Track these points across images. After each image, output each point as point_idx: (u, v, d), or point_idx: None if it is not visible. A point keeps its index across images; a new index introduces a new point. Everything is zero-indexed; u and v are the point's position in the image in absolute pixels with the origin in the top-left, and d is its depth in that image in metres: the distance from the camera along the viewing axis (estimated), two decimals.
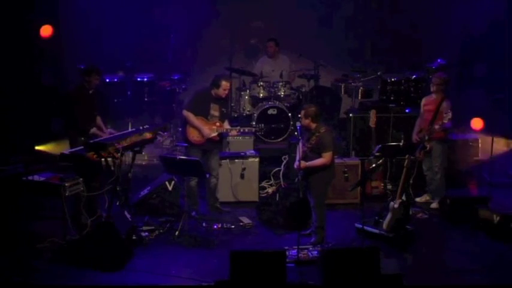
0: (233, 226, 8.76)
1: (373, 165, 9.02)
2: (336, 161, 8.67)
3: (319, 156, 7.94)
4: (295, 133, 8.78)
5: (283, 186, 9.93)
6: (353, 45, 12.67)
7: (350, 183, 9.29)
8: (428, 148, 9.25)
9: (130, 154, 8.51)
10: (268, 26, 12.47)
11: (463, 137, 10.51)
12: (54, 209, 8.13)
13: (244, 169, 9.67)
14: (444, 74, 9.66)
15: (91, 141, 8.02)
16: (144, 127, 8.58)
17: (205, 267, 7.55)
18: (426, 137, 9.19)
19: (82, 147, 7.95)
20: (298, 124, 8.18)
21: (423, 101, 9.56)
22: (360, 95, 11.06)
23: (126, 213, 8.10)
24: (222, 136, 9.16)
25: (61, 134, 9.53)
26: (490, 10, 11.32)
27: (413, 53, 12.30)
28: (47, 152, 10.69)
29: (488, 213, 8.54)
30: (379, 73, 11.09)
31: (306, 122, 8.02)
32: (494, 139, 9.68)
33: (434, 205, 9.44)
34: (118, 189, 7.97)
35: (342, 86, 11.33)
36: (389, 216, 8.29)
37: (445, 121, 8.94)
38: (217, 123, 8.91)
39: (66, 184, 7.93)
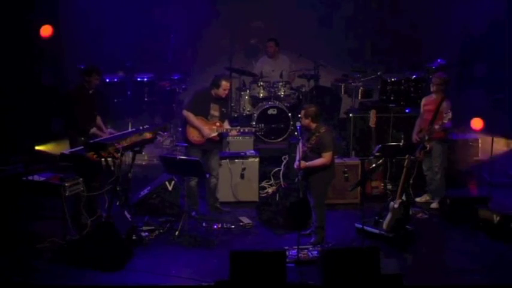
0: (233, 226, 8.75)
1: (373, 165, 9.02)
2: (336, 161, 8.67)
3: (319, 156, 7.94)
4: (295, 133, 8.78)
5: (283, 186, 9.92)
6: (353, 45, 12.66)
7: (350, 183, 9.28)
8: (428, 148, 9.25)
9: (130, 154, 8.50)
10: (268, 26, 12.47)
11: (463, 137, 10.51)
12: (54, 209, 8.12)
13: (244, 169, 9.67)
14: (444, 74, 9.66)
15: (91, 141, 8.02)
16: (144, 127, 8.57)
17: (205, 267, 7.55)
18: (426, 137, 9.19)
19: (82, 147, 7.95)
20: (298, 124, 8.18)
21: (423, 101, 9.56)
22: (360, 95, 11.06)
23: (126, 213, 8.10)
24: (222, 136, 9.16)
25: (61, 134, 9.53)
26: (490, 10, 11.33)
27: (413, 53, 12.31)
28: (47, 152, 10.69)
29: (488, 213, 8.54)
30: (379, 73, 11.09)
31: (306, 122, 8.02)
32: (494, 139, 9.68)
33: (434, 205, 9.44)
34: (118, 189, 7.97)
35: (342, 86, 11.33)
36: (389, 216, 8.29)
37: (445, 121, 8.94)
38: (217, 123, 8.91)
39: (66, 184, 7.93)
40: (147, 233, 8.31)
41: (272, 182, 10.22)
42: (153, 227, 8.48)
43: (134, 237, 8.02)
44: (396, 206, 8.26)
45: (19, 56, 10.57)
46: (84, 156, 7.79)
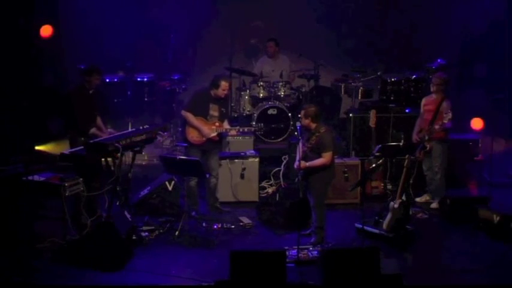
0: (233, 226, 8.75)
1: (373, 165, 9.02)
2: (336, 161, 8.67)
3: (319, 156, 7.94)
4: (295, 133, 8.78)
5: (283, 186, 9.92)
6: (353, 45, 12.66)
7: (350, 183, 9.28)
8: (428, 148, 9.25)
9: (130, 154, 8.49)
10: (268, 26, 12.46)
11: (463, 137, 10.51)
12: (54, 209, 8.12)
13: (244, 169, 9.67)
14: (444, 74, 9.66)
15: (91, 141, 8.02)
16: (144, 127, 8.58)
17: (205, 267, 7.55)
18: (426, 137, 9.19)
19: (82, 147, 7.95)
20: (298, 124, 8.18)
21: (423, 101, 9.56)
22: (360, 95, 11.06)
23: (126, 213, 8.10)
24: (222, 136, 9.17)
25: (61, 134, 9.53)
26: (490, 10, 11.34)
27: (413, 53, 12.31)
28: (47, 152, 10.70)
29: (488, 213, 8.54)
30: (379, 73, 11.09)
31: (306, 122, 8.02)
32: (494, 139, 9.68)
33: (434, 205, 9.44)
34: (118, 189, 7.97)
35: (342, 86, 11.34)
36: (389, 216, 8.29)
37: (445, 121, 8.94)
38: (217, 123, 8.91)
39: (66, 184, 7.92)
40: (147, 233, 8.31)
41: (272, 182, 10.22)
42: (153, 227, 8.48)
43: (134, 237, 8.02)
44: (396, 206, 8.26)
45: (19, 56, 10.57)
46: (84, 156, 7.78)
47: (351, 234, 8.45)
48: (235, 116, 11.36)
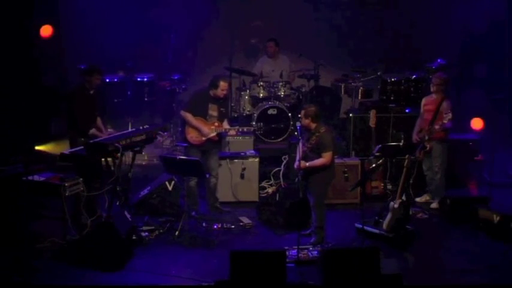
0: (233, 226, 8.76)
1: (373, 165, 9.02)
2: (336, 161, 8.67)
3: (319, 156, 7.94)
4: (295, 133, 8.78)
5: (283, 186, 9.92)
6: (353, 45, 12.65)
7: (350, 183, 9.29)
8: (428, 148, 9.26)
9: (130, 154, 8.49)
10: (268, 26, 12.46)
11: (463, 137, 10.51)
12: (54, 209, 8.12)
13: (244, 169, 9.67)
14: (444, 74, 9.66)
15: (91, 141, 8.02)
16: (144, 127, 8.57)
17: (205, 267, 7.55)
18: (426, 137, 9.20)
19: (82, 147, 7.95)
20: (298, 124, 8.18)
21: (423, 101, 9.56)
22: (360, 95, 11.05)
23: (126, 213, 8.10)
24: (221, 136, 9.17)
25: (61, 134, 9.53)
26: (490, 10, 11.33)
27: (413, 53, 12.31)
28: (47, 152, 10.70)
29: (488, 213, 8.54)
30: (379, 73, 11.09)
31: (306, 122, 8.02)
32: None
33: (434, 205, 9.44)
34: (118, 189, 7.97)
35: (342, 86, 11.33)
36: (389, 216, 8.29)
37: (445, 121, 8.94)
38: (216, 123, 8.91)
39: (66, 184, 7.93)
40: (147, 233, 8.31)
41: (272, 182, 10.22)
42: (153, 227, 8.48)
43: (134, 237, 8.02)
44: (396, 206, 8.26)
45: (19, 56, 10.57)
46: (84, 156, 7.78)
47: (351, 234, 8.45)
48: (235, 116, 11.36)
